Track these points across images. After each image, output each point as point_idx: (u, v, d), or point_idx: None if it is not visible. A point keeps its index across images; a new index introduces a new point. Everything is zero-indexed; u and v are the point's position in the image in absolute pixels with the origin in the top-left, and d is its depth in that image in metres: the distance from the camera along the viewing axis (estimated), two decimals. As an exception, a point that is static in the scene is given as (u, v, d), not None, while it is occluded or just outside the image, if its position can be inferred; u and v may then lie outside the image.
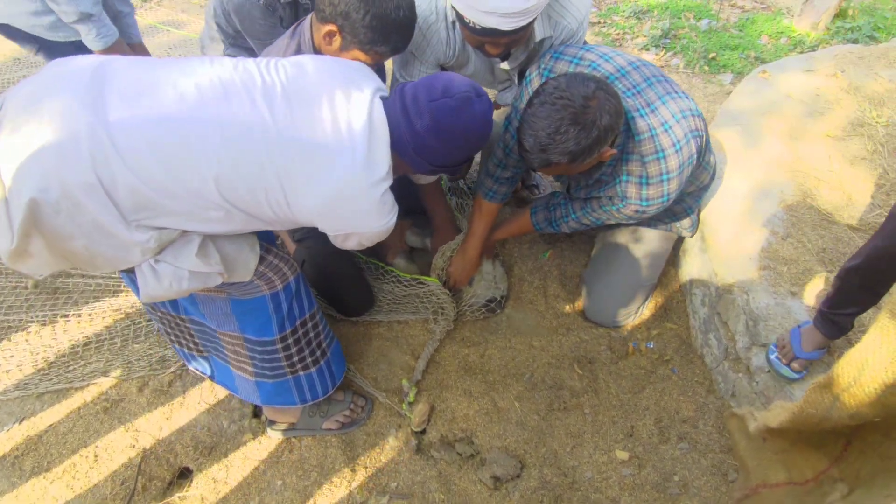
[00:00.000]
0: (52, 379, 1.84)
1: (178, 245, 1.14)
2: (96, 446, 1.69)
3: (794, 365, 1.49)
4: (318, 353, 1.57)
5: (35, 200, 0.99)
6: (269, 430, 1.71)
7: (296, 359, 1.51)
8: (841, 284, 1.32)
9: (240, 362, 1.53)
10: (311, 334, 1.53)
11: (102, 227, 1.04)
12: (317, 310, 1.54)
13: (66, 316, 2.02)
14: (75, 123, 1.00)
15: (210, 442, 1.70)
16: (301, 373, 1.55)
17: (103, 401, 1.79)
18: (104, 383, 1.83)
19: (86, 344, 1.94)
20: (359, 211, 1.15)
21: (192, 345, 1.60)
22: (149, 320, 1.99)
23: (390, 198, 1.19)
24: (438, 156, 1.23)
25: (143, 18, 3.76)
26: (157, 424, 1.74)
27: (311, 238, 1.85)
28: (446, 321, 1.93)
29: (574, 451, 1.66)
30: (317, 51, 1.53)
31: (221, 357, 1.58)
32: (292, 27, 1.59)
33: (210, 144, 1.04)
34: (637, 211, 1.56)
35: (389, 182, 1.18)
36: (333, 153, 1.10)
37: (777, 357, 1.52)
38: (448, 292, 1.92)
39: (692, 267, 1.98)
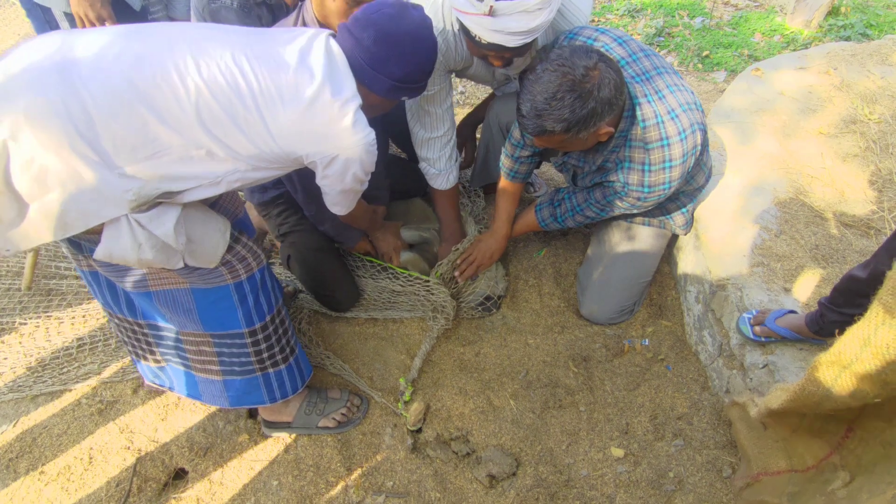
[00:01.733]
0: (46, 381, 1.83)
1: (157, 211, 1.14)
2: (91, 448, 1.68)
3: (758, 329, 1.55)
4: (288, 349, 1.56)
5: (4, 143, 1.00)
6: (264, 429, 1.71)
7: (265, 355, 1.50)
8: (845, 285, 1.32)
9: (205, 363, 1.50)
10: (281, 330, 1.52)
11: (82, 176, 1.05)
12: (282, 304, 1.53)
13: (60, 318, 2.01)
14: (45, 77, 1.04)
15: (205, 443, 1.69)
16: (271, 370, 1.53)
17: (98, 402, 1.79)
18: (98, 385, 1.83)
19: (80, 345, 1.93)
20: (333, 123, 1.19)
21: (148, 354, 1.56)
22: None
23: (363, 117, 1.23)
24: (393, 66, 1.27)
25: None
26: (152, 426, 1.73)
27: (296, 233, 1.84)
28: (446, 319, 1.93)
29: (569, 448, 1.67)
30: (321, 24, 1.56)
31: (182, 363, 1.54)
32: (295, 11, 1.61)
33: (189, 76, 1.09)
34: (638, 199, 1.57)
35: (358, 102, 1.22)
36: (298, 75, 1.16)
37: (749, 318, 1.58)
38: (447, 290, 1.93)
39: (686, 264, 1.98)
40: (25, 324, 1.99)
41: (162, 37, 1.13)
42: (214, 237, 1.26)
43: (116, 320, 1.49)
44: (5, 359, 1.90)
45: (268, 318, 1.45)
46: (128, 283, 1.34)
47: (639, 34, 3.60)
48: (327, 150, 1.21)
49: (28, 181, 1.04)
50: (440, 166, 1.92)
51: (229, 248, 1.31)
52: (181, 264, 1.21)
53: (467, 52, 1.66)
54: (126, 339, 1.54)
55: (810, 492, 1.12)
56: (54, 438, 1.71)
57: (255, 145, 1.15)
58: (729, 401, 1.54)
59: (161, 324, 1.46)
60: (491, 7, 1.33)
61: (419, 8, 1.32)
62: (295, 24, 1.59)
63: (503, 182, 1.91)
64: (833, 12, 3.63)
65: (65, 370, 1.87)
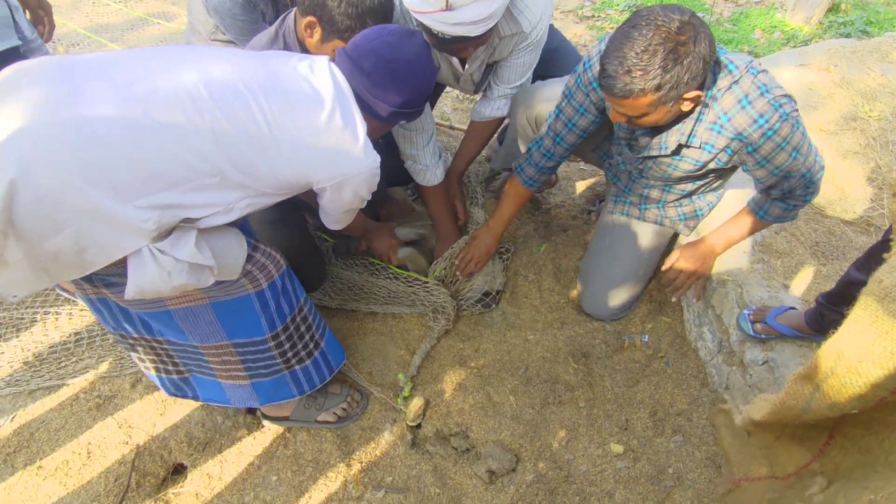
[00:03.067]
0: (43, 375, 1.82)
1: (174, 236, 1.11)
2: (89, 443, 1.68)
3: (758, 326, 1.55)
4: (312, 345, 1.56)
5: (14, 182, 0.93)
6: (264, 421, 1.70)
7: (290, 354, 1.50)
8: (844, 289, 1.32)
9: (230, 371, 1.50)
10: (303, 328, 1.52)
11: (99, 208, 1.00)
12: (304, 301, 1.52)
13: (58, 312, 2.00)
14: (56, 99, 0.99)
15: (204, 438, 1.69)
16: (297, 366, 1.54)
17: (96, 397, 1.78)
18: (96, 379, 1.82)
19: (77, 340, 1.92)
20: (344, 149, 1.20)
21: (170, 367, 1.54)
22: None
23: (369, 141, 1.24)
24: (392, 94, 1.27)
25: (133, 10, 3.72)
26: (150, 420, 1.73)
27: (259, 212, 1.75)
28: (446, 320, 1.93)
29: (569, 444, 1.67)
30: (301, 44, 1.55)
31: (205, 373, 1.54)
32: (278, 20, 1.58)
33: (203, 102, 1.07)
34: (771, 136, 1.36)
35: (365, 128, 1.23)
36: (310, 103, 1.17)
37: (748, 314, 1.58)
38: (447, 291, 1.92)
39: (686, 261, 1.98)
40: (23, 318, 1.98)
41: (169, 63, 1.11)
42: (234, 248, 1.25)
43: (132, 341, 1.47)
44: (2, 353, 1.89)
45: (289, 319, 1.45)
46: (145, 307, 1.33)
47: (639, 30, 3.59)
48: (337, 174, 1.22)
49: (40, 219, 0.98)
50: (425, 161, 1.91)
51: (248, 258, 1.31)
52: (212, 280, 1.20)
53: None
54: (145, 357, 1.52)
55: (789, 497, 1.13)
56: (52, 433, 1.70)
57: (269, 168, 1.15)
58: (715, 408, 1.55)
59: (179, 340, 1.44)
60: (447, 2, 1.35)
61: (418, 34, 1.32)
62: (274, 40, 1.55)
63: (516, 185, 1.86)
64: (833, 9, 3.63)
65: (62, 365, 1.86)
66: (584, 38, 3.55)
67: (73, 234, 1.01)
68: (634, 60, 1.21)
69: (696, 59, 1.20)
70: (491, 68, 1.82)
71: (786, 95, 1.34)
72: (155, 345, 1.48)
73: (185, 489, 1.60)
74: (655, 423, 1.71)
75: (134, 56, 1.12)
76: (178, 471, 1.67)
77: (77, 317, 1.99)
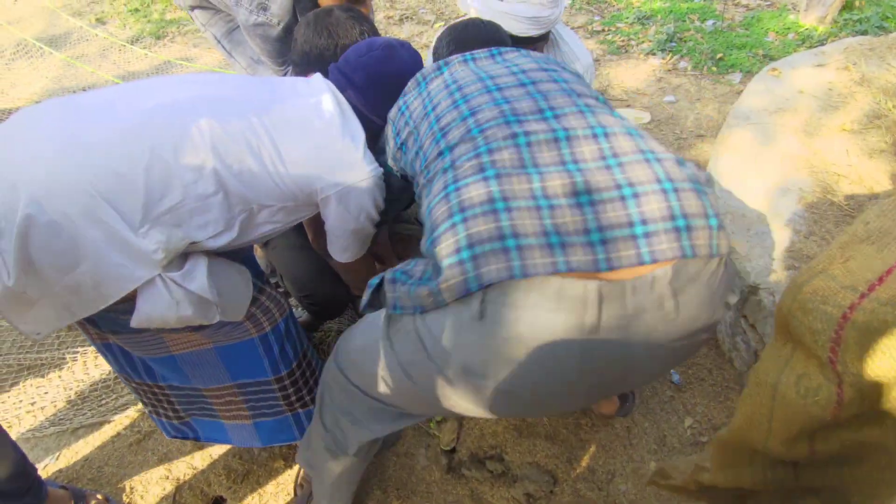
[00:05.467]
0: (85, 413, 1.87)
1: (188, 267, 1.12)
2: (131, 478, 1.71)
3: None
4: (316, 389, 1.55)
5: (30, 218, 0.95)
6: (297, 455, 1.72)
7: (294, 398, 1.50)
8: None
9: (233, 412, 1.51)
10: (308, 372, 1.52)
11: (112, 236, 1.01)
12: (308, 346, 1.53)
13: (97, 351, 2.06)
14: (61, 136, 1.02)
15: (242, 469, 1.71)
16: (300, 409, 1.53)
17: (136, 433, 1.82)
18: (136, 415, 1.86)
19: (117, 377, 1.97)
20: (346, 154, 1.20)
21: (170, 413, 1.56)
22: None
23: (370, 154, 1.25)
24: (385, 108, 1.27)
25: (158, 55, 3.86)
26: (189, 454, 1.76)
27: (277, 237, 1.74)
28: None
29: (606, 463, 1.65)
30: None
31: (207, 415, 1.54)
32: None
33: (200, 114, 1.09)
34: None
35: (364, 136, 1.24)
36: (308, 113, 1.19)
37: None
38: None
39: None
40: (64, 358, 2.05)
41: (168, 86, 1.15)
42: (240, 288, 1.24)
43: (134, 384, 1.49)
44: (46, 393, 1.95)
45: (294, 365, 1.45)
46: (148, 352, 1.34)
47: (650, 41, 3.60)
48: (340, 181, 1.20)
49: (59, 254, 0.99)
50: None
51: (253, 300, 1.30)
52: (217, 318, 1.18)
53: None
54: (145, 401, 1.55)
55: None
56: (95, 470, 1.74)
57: (270, 175, 1.13)
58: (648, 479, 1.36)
59: (182, 384, 1.46)
60: None
61: (406, 46, 1.34)
62: None
63: None
64: (847, 7, 3.59)
65: (103, 402, 1.91)
66: (595, 52, 3.57)
67: (90, 268, 1.02)
68: None
69: None
70: None
71: None
72: (157, 391, 1.49)
73: (226, 522, 1.62)
74: (693, 436, 1.67)
75: (137, 84, 1.16)
76: (218, 503, 1.69)
77: (115, 354, 2.04)
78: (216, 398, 1.48)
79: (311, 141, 1.17)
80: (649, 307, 0.85)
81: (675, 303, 0.86)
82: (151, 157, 1.04)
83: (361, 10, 1.78)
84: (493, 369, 0.89)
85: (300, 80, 1.28)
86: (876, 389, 0.67)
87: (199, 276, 1.11)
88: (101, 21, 4.40)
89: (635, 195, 0.87)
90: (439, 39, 1.39)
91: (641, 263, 0.84)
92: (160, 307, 1.09)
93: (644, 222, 0.85)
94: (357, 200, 1.23)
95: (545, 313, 0.83)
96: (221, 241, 1.15)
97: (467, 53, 1.17)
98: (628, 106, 3.08)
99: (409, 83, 1.22)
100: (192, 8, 2.14)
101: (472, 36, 1.33)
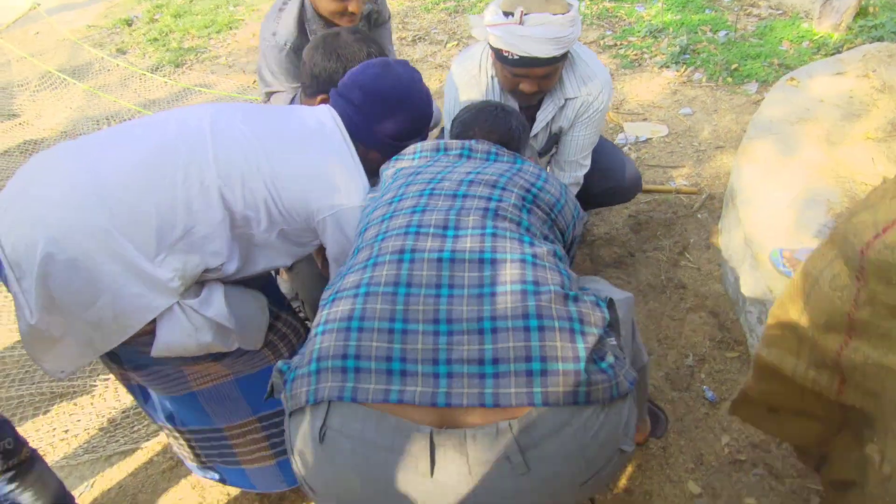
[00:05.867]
0: (118, 440, 1.89)
1: (205, 294, 1.14)
2: (165, 505, 1.72)
3: (787, 257, 1.74)
4: None
5: (49, 256, 0.98)
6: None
7: None
8: None
9: (254, 452, 1.49)
10: None
11: (130, 268, 1.04)
12: None
13: (127, 377, 2.08)
14: (74, 175, 1.06)
15: (276, 495, 1.71)
16: None
17: (168, 459, 1.83)
18: (168, 441, 1.87)
19: (148, 403, 1.99)
20: (338, 179, 1.20)
21: (192, 456, 1.55)
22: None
23: (367, 180, 1.26)
24: (385, 124, 1.30)
25: (177, 82, 3.95)
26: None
27: (301, 261, 1.71)
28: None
29: (643, 483, 1.62)
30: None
31: (228, 461, 1.52)
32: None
33: (206, 142, 1.12)
34: None
35: (357, 158, 1.25)
36: (311, 139, 1.22)
37: (781, 252, 1.75)
38: None
39: (745, 286, 1.94)
40: (96, 385, 2.07)
41: (174, 115, 1.19)
42: (257, 316, 1.26)
43: (156, 426, 1.52)
44: (79, 421, 1.97)
45: None
46: (170, 390, 1.35)
47: (663, 54, 3.61)
48: (336, 204, 1.18)
49: (78, 291, 1.02)
50: None
51: (270, 327, 1.31)
52: (236, 345, 1.20)
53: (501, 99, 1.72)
54: (171, 442, 1.56)
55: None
56: (129, 497, 1.75)
57: (270, 194, 1.15)
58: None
59: (202, 427, 1.45)
60: (521, 16, 1.45)
61: (403, 62, 1.36)
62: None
63: None
64: (861, 13, 3.57)
65: (135, 429, 1.92)
66: (609, 66, 3.58)
67: (109, 300, 1.04)
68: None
69: None
70: (554, 137, 1.86)
71: None
72: (178, 434, 1.49)
73: (261, 548, 1.62)
74: (731, 454, 1.64)
75: (147, 119, 1.21)
76: (252, 529, 1.69)
77: (146, 380, 2.06)
78: (238, 437, 1.46)
79: (309, 163, 1.19)
80: (492, 460, 0.78)
81: (524, 458, 0.78)
82: (162, 187, 1.07)
83: (351, 7, 1.84)
84: (335, 495, 0.87)
85: (304, 108, 1.31)
86: (889, 310, 0.84)
87: (216, 302, 1.13)
88: (121, 51, 4.52)
89: (494, 330, 0.82)
90: (459, 112, 1.40)
91: (482, 405, 0.79)
92: (179, 335, 1.11)
93: (495, 361, 0.80)
94: (354, 224, 1.20)
95: (379, 452, 0.81)
96: (230, 269, 1.17)
97: (442, 144, 1.20)
98: (645, 119, 3.08)
99: (409, 148, 1.24)
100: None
101: (479, 122, 1.33)
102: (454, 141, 1.20)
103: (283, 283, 2.10)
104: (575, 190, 1.92)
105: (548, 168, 1.98)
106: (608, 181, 2.00)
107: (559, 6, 1.49)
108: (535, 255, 0.91)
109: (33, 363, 2.04)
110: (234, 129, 1.16)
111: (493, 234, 0.93)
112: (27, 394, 2.05)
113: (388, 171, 1.24)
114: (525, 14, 1.45)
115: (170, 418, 1.44)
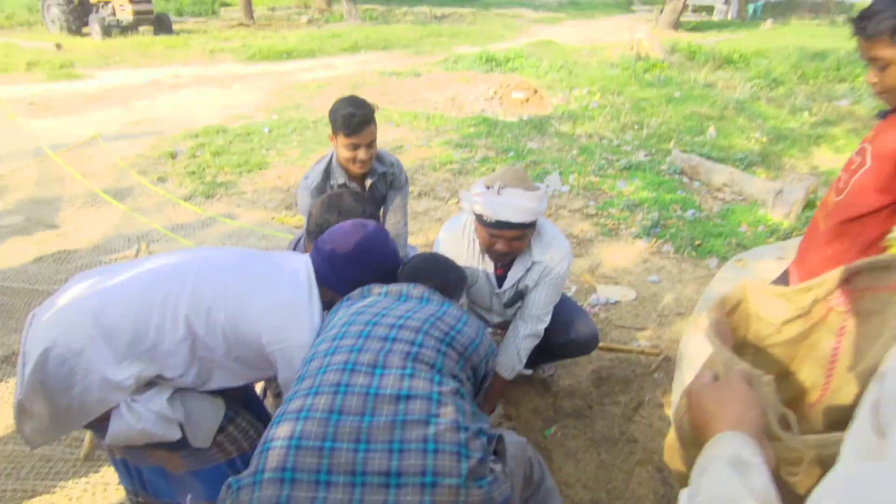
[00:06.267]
0: (85, 547, 1.95)
1: (151, 392, 1.40)
2: None
3: None
4: None
5: (47, 350, 1.29)
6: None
7: None
8: None
9: None
10: None
11: (98, 369, 1.32)
12: None
13: (107, 483, 2.18)
14: (85, 296, 1.40)
15: None
16: None
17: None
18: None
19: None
20: (292, 318, 1.41)
21: None
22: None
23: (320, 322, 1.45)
24: (349, 271, 1.53)
25: (205, 212, 4.43)
26: None
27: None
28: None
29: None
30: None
31: None
32: (292, 246, 2.03)
33: (188, 277, 1.42)
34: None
35: (318, 302, 1.47)
36: (279, 280, 1.46)
37: None
38: None
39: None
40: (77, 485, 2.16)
41: (176, 254, 1.53)
42: (208, 414, 1.49)
43: (132, 496, 1.68)
44: (107, 485, 2.04)
45: None
46: (143, 461, 1.57)
47: (637, 226, 4.07)
48: (283, 339, 1.40)
49: (60, 379, 1.31)
50: None
51: (221, 429, 1.52)
52: (179, 434, 1.42)
53: (475, 268, 2.06)
54: None
55: None
56: None
57: (228, 321, 1.39)
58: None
59: (173, 500, 1.62)
60: (499, 188, 1.83)
61: (370, 224, 1.60)
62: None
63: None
64: (809, 205, 4.08)
65: None
66: (589, 233, 4.03)
67: (80, 392, 1.33)
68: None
69: None
70: (520, 293, 2.17)
71: None
72: (151, 500, 1.65)
73: None
74: None
75: (153, 258, 1.53)
76: None
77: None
78: None
79: (269, 305, 1.41)
80: None
81: None
82: (143, 309, 1.39)
83: (360, 155, 2.29)
84: None
85: (288, 255, 1.59)
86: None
87: (159, 398, 1.40)
88: (161, 180, 5.10)
89: (401, 451, 1.06)
90: (413, 258, 1.74)
91: None
92: (125, 424, 1.37)
93: (399, 474, 1.03)
94: (299, 357, 1.37)
95: None
96: (187, 381, 1.44)
97: (385, 289, 1.47)
98: (616, 283, 3.43)
99: (355, 292, 1.49)
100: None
101: (422, 269, 1.64)
102: (394, 286, 1.50)
103: (271, 409, 2.27)
104: (535, 341, 2.18)
105: (514, 319, 2.27)
106: (568, 334, 2.27)
107: (530, 186, 1.89)
108: (440, 393, 1.17)
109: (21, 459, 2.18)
110: (216, 271, 1.47)
111: (411, 375, 1.19)
112: (10, 489, 2.14)
113: (339, 311, 1.45)
114: (502, 188, 1.85)
115: (143, 485, 1.62)
